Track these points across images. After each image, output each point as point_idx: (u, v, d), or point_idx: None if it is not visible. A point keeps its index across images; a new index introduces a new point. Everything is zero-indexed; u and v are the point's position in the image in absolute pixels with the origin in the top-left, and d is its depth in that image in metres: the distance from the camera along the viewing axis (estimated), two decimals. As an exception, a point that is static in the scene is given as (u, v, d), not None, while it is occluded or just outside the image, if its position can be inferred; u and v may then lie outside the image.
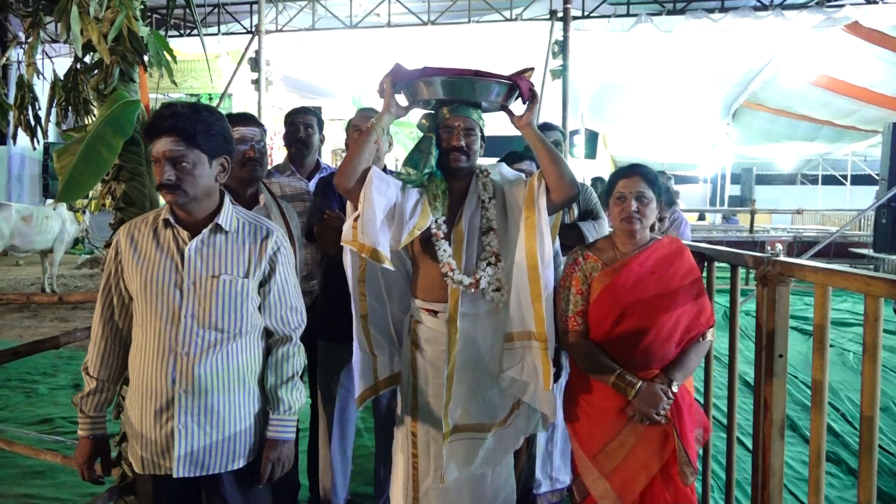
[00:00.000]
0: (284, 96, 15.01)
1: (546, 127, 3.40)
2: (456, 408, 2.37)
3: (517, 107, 2.41)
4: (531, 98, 2.33)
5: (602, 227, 3.16)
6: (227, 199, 1.96)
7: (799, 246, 12.35)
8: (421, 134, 2.46)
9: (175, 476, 1.84)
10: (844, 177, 21.37)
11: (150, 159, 2.63)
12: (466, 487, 2.45)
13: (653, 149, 18.38)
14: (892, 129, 9.77)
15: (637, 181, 2.29)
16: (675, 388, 2.21)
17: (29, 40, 2.58)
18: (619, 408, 2.25)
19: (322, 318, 2.93)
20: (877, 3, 9.75)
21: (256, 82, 12.18)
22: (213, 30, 12.71)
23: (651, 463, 2.22)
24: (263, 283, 1.95)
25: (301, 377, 2.07)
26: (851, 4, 9.94)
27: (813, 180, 22.74)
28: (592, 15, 10.73)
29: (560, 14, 10.38)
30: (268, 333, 2.01)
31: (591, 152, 17.59)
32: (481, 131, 2.42)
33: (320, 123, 3.38)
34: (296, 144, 3.26)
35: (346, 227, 2.31)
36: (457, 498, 2.44)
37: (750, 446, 2.94)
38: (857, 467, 3.79)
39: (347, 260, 2.45)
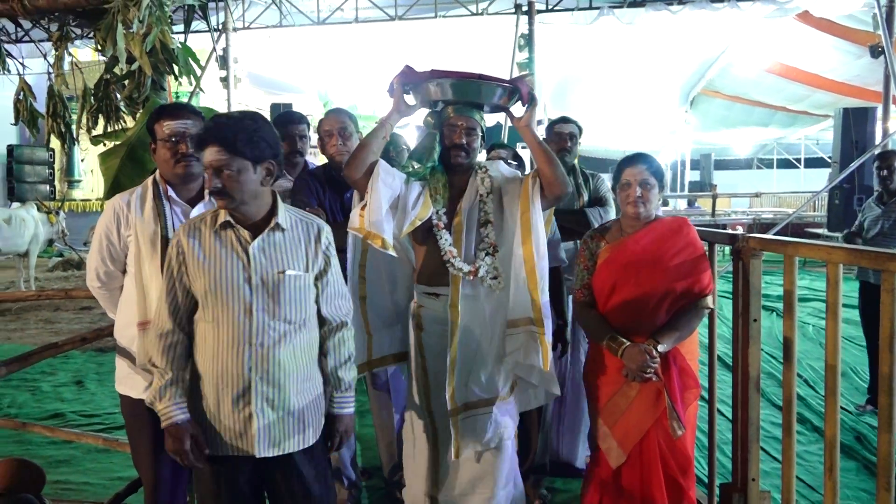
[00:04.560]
0: (250, 93, 15.08)
1: (564, 120, 3.61)
2: (461, 386, 2.56)
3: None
4: (530, 101, 2.51)
5: (608, 214, 3.42)
6: (279, 199, 2.09)
7: (758, 228, 12.85)
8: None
9: (257, 456, 2.01)
10: (798, 160, 22.13)
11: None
12: (479, 464, 2.62)
13: (615, 137, 18.77)
14: (843, 114, 10.24)
15: (641, 170, 2.54)
16: (660, 349, 2.45)
17: (56, 53, 2.75)
18: (620, 367, 2.51)
19: None
20: (825, -7, 10.23)
21: (224, 80, 12.24)
22: (178, 27, 12.70)
23: (646, 417, 2.50)
24: (320, 276, 2.12)
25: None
26: (802, -5, 10.41)
27: (768, 164, 23.47)
28: (556, 8, 10.98)
29: (525, 8, 10.66)
30: (321, 320, 2.15)
31: (556, 141, 17.95)
32: (482, 131, 2.60)
33: (309, 126, 3.52)
34: (289, 156, 3.36)
35: (354, 215, 2.50)
36: (472, 473, 2.62)
37: (727, 415, 3.23)
38: (819, 426, 4.18)
39: (349, 245, 2.66)
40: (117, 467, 3.70)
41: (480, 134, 2.60)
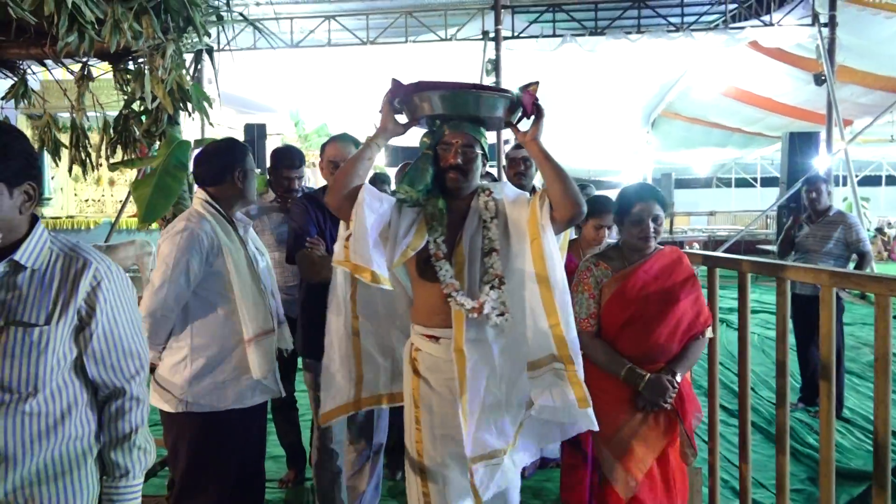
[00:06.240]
0: (221, 111, 15.34)
1: (519, 146, 3.42)
2: (470, 438, 2.21)
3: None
4: (537, 112, 2.18)
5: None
6: (38, 228, 1.57)
7: (713, 244, 13.50)
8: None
9: None
10: (755, 179, 23.07)
11: (191, 184, 3.25)
12: None
13: (579, 157, 19.38)
14: (789, 137, 10.93)
15: (653, 205, 2.54)
16: (678, 379, 2.48)
17: (79, 90, 3.12)
18: (628, 398, 2.50)
19: (303, 336, 2.99)
20: (773, 25, 10.97)
21: (199, 100, 12.44)
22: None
23: (657, 445, 2.50)
24: (81, 329, 1.58)
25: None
26: (751, 27, 11.15)
27: (727, 183, 24.38)
28: (522, 35, 11.57)
29: (492, 35, 11.23)
30: (95, 387, 1.65)
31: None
32: (483, 148, 2.29)
33: (304, 162, 3.62)
34: (285, 193, 3.51)
35: (338, 247, 2.22)
36: None
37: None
38: (756, 421, 4.65)
39: (339, 278, 2.38)
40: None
41: (480, 152, 2.28)
